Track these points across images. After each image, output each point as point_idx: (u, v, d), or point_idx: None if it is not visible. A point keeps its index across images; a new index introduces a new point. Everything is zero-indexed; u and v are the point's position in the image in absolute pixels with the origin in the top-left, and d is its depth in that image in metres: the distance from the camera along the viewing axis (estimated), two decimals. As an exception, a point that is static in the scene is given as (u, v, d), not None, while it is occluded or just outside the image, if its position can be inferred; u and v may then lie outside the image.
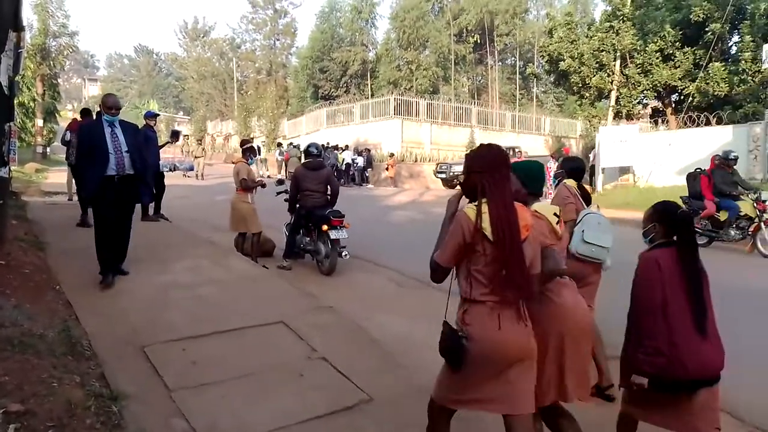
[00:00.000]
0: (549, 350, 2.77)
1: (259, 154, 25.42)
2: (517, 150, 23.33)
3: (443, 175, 23.56)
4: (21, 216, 8.73)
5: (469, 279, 2.51)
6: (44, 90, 28.38)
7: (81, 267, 6.14)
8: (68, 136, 9.81)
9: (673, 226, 2.95)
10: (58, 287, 5.25)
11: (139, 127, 9.29)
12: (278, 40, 50.46)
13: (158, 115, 11.67)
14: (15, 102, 7.47)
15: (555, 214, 2.93)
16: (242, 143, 8.77)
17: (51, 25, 28.74)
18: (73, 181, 12.44)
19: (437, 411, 2.79)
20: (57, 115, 32.68)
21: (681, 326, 2.73)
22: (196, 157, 25.54)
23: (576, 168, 4.52)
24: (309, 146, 8.00)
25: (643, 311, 2.84)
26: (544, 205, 3.01)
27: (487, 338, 2.45)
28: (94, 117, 7.72)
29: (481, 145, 2.80)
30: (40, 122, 27.54)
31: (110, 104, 5.60)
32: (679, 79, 20.91)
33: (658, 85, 21.43)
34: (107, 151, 5.41)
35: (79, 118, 10.69)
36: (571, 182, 4.34)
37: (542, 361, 2.71)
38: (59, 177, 15.13)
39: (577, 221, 3.89)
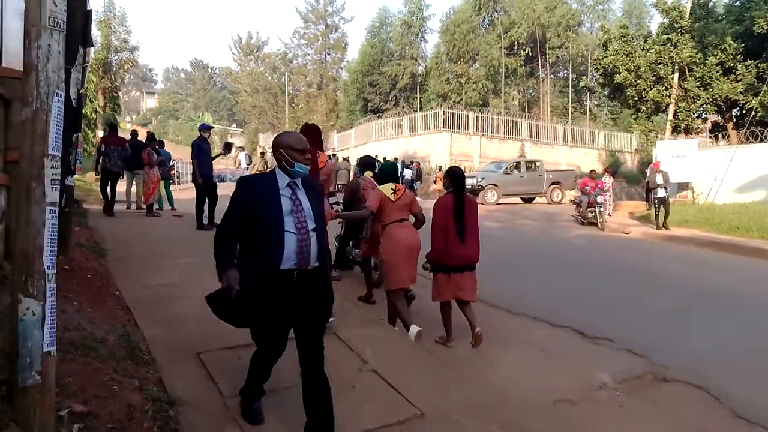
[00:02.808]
0: (400, 261, 5.23)
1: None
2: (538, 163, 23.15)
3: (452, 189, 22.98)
4: (82, 223, 9.06)
5: None
6: (105, 102, 29.59)
7: (139, 274, 6.33)
8: (102, 147, 12.04)
9: (454, 181, 5.34)
10: (118, 293, 5.41)
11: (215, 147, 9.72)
12: (329, 54, 51.29)
13: (212, 127, 12.00)
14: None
15: (391, 188, 5.40)
16: None
17: (113, 40, 30.01)
18: (135, 188, 13.04)
19: None
20: (117, 126, 33.96)
21: (452, 236, 5.07)
22: (259, 171, 24.45)
23: (367, 163, 7.05)
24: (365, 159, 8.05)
25: (434, 228, 5.20)
26: (386, 186, 5.48)
27: None
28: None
29: (307, 125, 5.39)
30: (101, 133, 28.69)
31: (302, 145, 3.13)
32: (741, 93, 20.21)
33: (719, 99, 20.78)
34: (282, 229, 3.00)
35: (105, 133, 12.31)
36: (368, 173, 6.76)
37: (400, 266, 5.23)
38: (118, 186, 15.66)
39: None
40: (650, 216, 15.35)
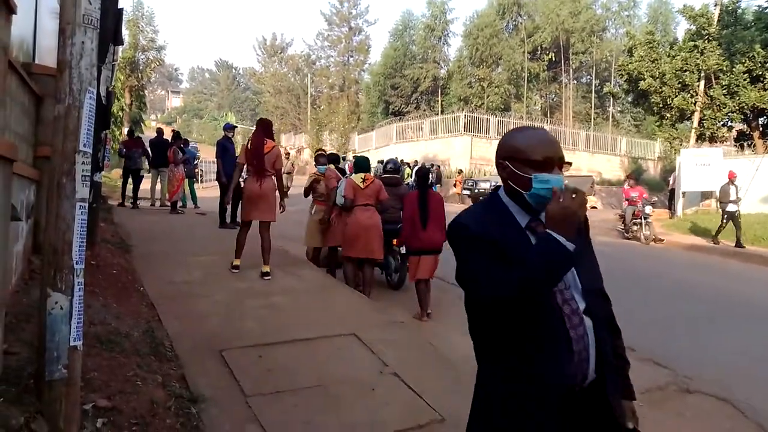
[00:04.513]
0: (359, 234, 6.49)
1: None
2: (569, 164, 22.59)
3: (468, 192, 22.83)
4: (108, 219, 9.19)
5: (247, 167, 6.57)
6: (132, 100, 29.97)
7: (163, 270, 6.40)
8: (123, 151, 13.46)
9: (419, 179, 6.64)
10: (142, 289, 5.47)
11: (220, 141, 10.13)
12: (352, 56, 51.36)
13: (236, 127, 12.17)
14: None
15: (361, 177, 6.64)
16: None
17: (141, 39, 30.38)
18: (159, 186, 13.24)
19: (243, 224, 6.69)
20: (142, 124, 34.46)
21: (418, 223, 6.17)
22: (286, 173, 22.62)
23: (334, 159, 8.54)
24: (387, 163, 8.09)
25: (405, 217, 6.36)
26: (357, 175, 6.71)
27: (250, 188, 6.47)
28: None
29: (260, 119, 6.99)
30: (126, 131, 29.11)
31: (545, 151, 1.74)
32: (769, 101, 19.86)
33: (745, 107, 20.42)
34: (559, 314, 1.64)
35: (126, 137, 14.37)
36: (331, 165, 7.87)
37: (358, 238, 6.52)
38: (143, 183, 15.85)
39: (338, 186, 7.04)
40: (686, 226, 14.58)
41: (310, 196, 7.97)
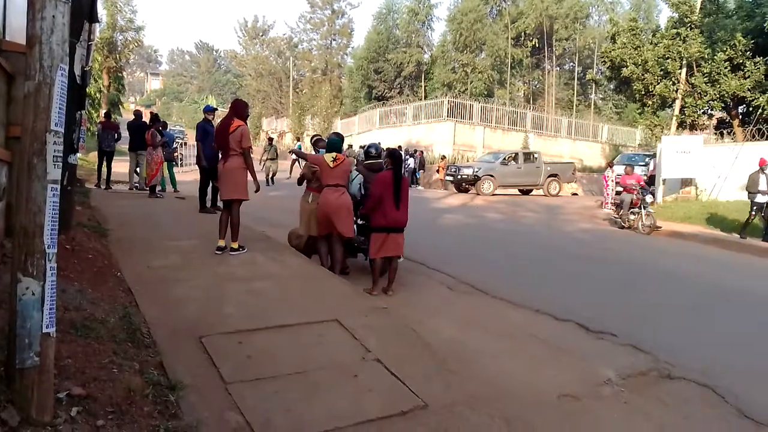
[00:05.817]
0: (327, 214, 6.49)
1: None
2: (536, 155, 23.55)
3: (450, 178, 22.91)
4: (84, 203, 9.01)
5: (219, 149, 6.77)
6: (110, 82, 29.43)
7: (141, 255, 6.27)
8: (99, 130, 13.75)
9: (393, 161, 6.47)
10: (119, 274, 5.35)
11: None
12: (335, 40, 51.01)
13: (216, 109, 11.97)
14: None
15: (332, 157, 6.59)
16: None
17: (119, 19, 29.79)
18: (137, 169, 13.10)
19: (223, 205, 6.87)
20: (121, 106, 33.87)
21: (388, 203, 6.20)
22: (270, 158, 21.79)
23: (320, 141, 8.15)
24: (369, 147, 7.96)
25: (373, 196, 6.31)
26: (328, 154, 6.68)
27: (219, 167, 6.74)
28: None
29: (236, 100, 7.16)
30: (104, 112, 28.60)
31: None
32: (749, 89, 20.00)
33: (726, 95, 20.57)
34: None
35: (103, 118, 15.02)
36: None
37: (326, 218, 6.54)
38: (121, 166, 15.60)
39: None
40: (666, 213, 14.35)
41: (303, 183, 7.78)
